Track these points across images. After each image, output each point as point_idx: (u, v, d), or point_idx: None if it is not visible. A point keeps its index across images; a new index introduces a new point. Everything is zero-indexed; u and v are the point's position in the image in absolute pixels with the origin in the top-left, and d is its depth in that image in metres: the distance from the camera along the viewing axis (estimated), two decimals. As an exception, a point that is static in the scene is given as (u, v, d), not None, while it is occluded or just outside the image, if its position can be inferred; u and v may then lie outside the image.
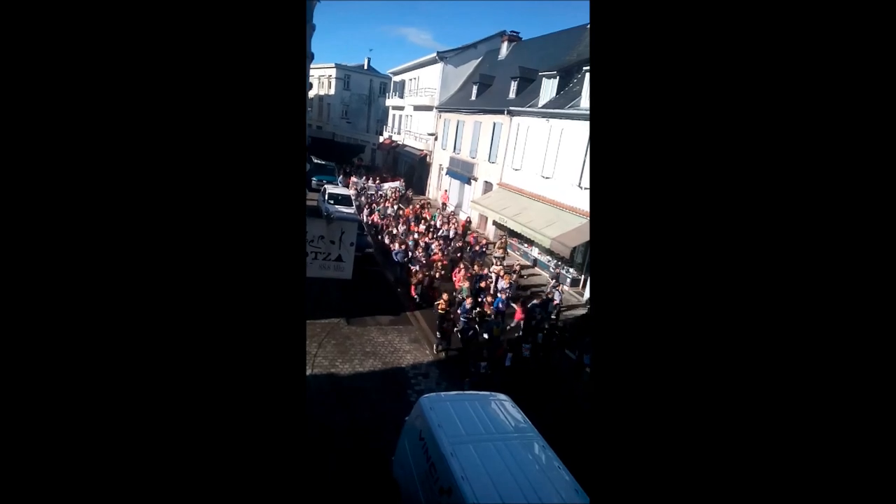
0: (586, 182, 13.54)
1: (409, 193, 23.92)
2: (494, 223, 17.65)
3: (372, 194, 22.94)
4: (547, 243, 13.21)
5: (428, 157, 26.07)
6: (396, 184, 24.65)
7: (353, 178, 25.36)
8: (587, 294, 13.31)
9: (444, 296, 9.56)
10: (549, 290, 12.21)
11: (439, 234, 16.49)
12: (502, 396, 5.34)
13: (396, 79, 33.38)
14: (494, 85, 21.76)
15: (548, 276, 14.66)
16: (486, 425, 4.68)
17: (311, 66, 25.87)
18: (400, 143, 31.17)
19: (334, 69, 37.50)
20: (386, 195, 22.21)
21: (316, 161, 25.84)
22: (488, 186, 19.33)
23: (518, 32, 24.53)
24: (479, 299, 10.58)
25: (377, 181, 25.56)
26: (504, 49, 24.30)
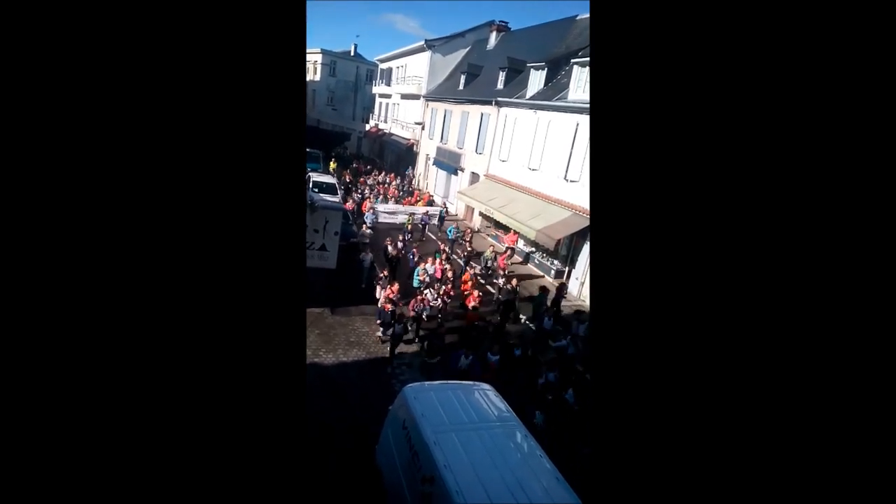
0: (572, 175, 13.62)
1: (471, 233, 15.41)
2: (481, 214, 17.67)
3: (409, 226, 14.83)
4: (532, 235, 13.29)
5: (415, 147, 25.87)
6: (438, 210, 17.69)
7: (369, 202, 17.07)
8: (569, 286, 13.45)
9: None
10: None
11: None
12: (485, 386, 5.38)
13: (383, 66, 32.94)
14: (482, 75, 21.62)
15: (533, 267, 14.77)
16: (469, 414, 4.72)
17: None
18: (387, 131, 30.86)
19: (320, 55, 36.76)
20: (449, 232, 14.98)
21: None
22: (475, 177, 19.30)
23: (507, 22, 24.40)
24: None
25: (407, 190, 18.50)
26: (492, 39, 24.13)
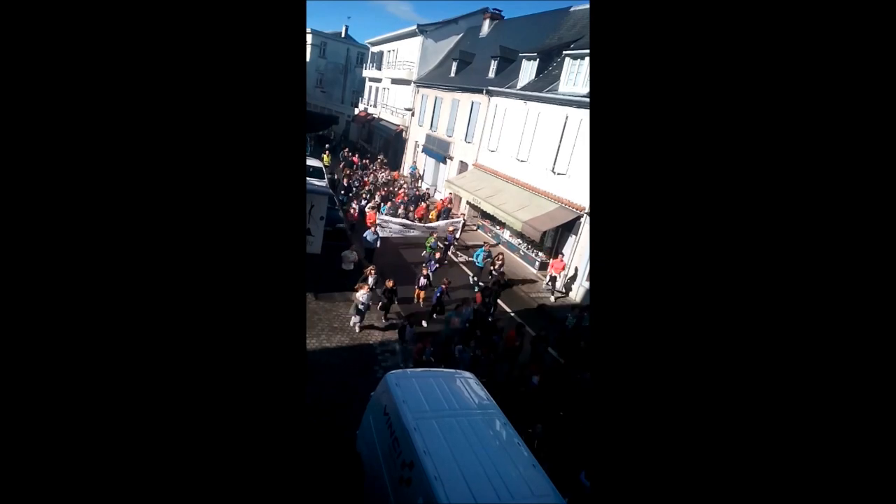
0: (560, 167, 13.68)
1: (502, 257, 11.94)
2: (468, 203, 17.66)
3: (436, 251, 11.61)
4: (518, 226, 13.35)
5: (404, 133, 25.62)
6: (461, 220, 14.87)
7: (379, 217, 12.98)
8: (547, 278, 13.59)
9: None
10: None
11: None
12: (467, 374, 5.45)
13: (374, 49, 32.38)
14: (474, 63, 21.43)
15: (519, 258, 14.86)
16: (449, 402, 4.78)
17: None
18: (376, 116, 30.45)
19: (310, 35, 35.92)
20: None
21: None
22: (463, 166, 19.24)
23: (500, 11, 24.16)
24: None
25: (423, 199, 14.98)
26: (486, 26, 23.87)
